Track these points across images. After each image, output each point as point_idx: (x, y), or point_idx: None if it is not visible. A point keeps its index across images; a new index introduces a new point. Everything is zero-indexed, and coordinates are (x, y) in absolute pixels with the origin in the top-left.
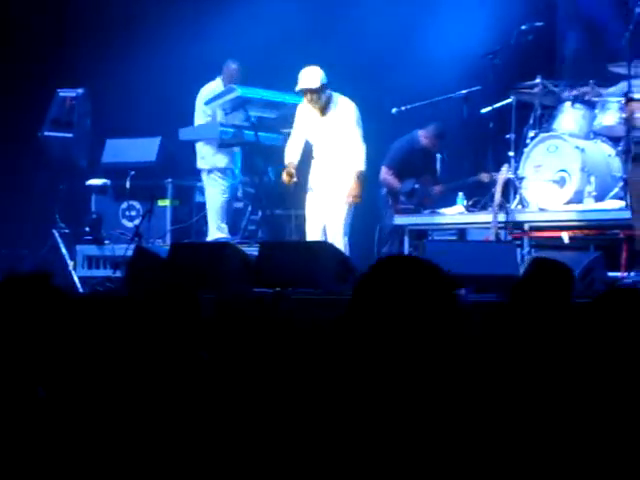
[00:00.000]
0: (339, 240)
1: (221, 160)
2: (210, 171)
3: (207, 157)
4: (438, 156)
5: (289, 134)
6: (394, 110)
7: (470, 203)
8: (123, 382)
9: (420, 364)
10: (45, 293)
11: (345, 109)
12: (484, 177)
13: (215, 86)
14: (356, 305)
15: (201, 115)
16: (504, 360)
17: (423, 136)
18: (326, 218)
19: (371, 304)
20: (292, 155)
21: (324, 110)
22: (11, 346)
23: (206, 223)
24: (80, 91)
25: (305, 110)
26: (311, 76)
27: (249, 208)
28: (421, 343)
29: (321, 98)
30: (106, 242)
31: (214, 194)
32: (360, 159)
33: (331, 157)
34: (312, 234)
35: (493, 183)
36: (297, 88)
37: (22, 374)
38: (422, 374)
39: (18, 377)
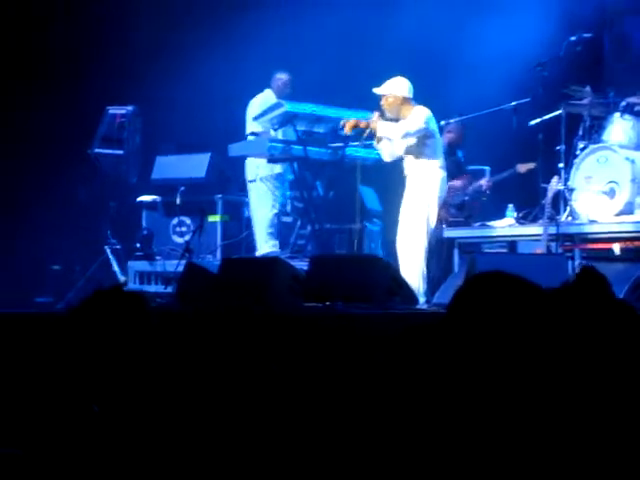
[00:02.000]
0: (410, 245)
1: (273, 167)
2: (262, 179)
3: (260, 166)
4: (460, 154)
5: (337, 148)
6: (443, 122)
7: (520, 215)
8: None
9: (521, 377)
10: (141, 313)
11: (415, 111)
12: (521, 168)
13: (265, 98)
14: (453, 323)
15: (252, 126)
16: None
17: (446, 132)
18: (400, 223)
19: (470, 322)
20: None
21: (399, 119)
22: (88, 362)
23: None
24: (130, 108)
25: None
26: (391, 83)
27: (298, 222)
28: (520, 360)
29: (392, 107)
30: (157, 258)
31: (260, 205)
32: (402, 129)
33: (406, 166)
34: (398, 246)
35: (543, 194)
36: (375, 90)
37: (78, 390)
38: (523, 387)
39: (74, 393)
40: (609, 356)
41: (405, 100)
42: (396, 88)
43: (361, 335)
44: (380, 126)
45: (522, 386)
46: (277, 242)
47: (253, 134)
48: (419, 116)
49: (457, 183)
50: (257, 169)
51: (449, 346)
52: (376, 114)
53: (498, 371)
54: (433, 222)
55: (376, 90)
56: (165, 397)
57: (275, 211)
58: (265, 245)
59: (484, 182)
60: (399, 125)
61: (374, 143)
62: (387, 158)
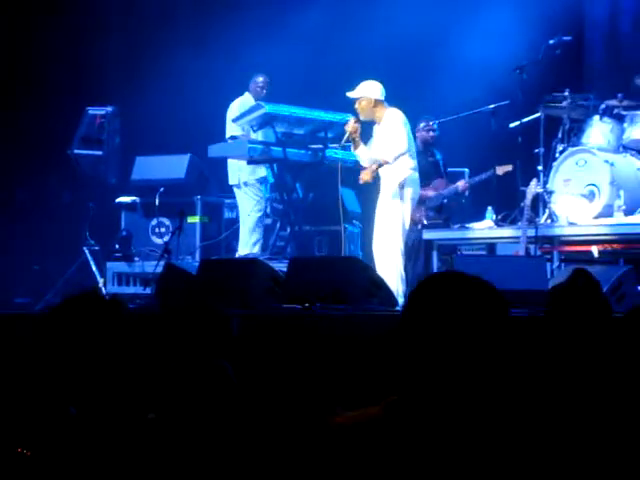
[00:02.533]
0: (386, 249)
1: (258, 171)
2: (245, 184)
3: (242, 169)
4: (438, 156)
5: (316, 150)
6: (422, 125)
7: (499, 217)
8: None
9: (474, 380)
10: (118, 318)
11: (392, 115)
12: (499, 170)
13: (244, 100)
14: (408, 322)
15: (232, 129)
16: (546, 371)
17: (418, 132)
18: (376, 227)
19: (423, 322)
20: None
21: (376, 123)
22: (62, 366)
23: (235, 239)
24: (109, 109)
25: (349, 126)
26: (364, 86)
27: (278, 224)
28: (474, 360)
29: (366, 110)
30: (136, 259)
31: (248, 208)
32: (393, 152)
33: (384, 169)
34: (374, 247)
35: (522, 196)
36: (349, 94)
37: (56, 393)
38: (476, 389)
39: (52, 396)
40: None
41: (377, 102)
42: (368, 91)
43: (340, 336)
44: (370, 154)
45: (476, 387)
46: (260, 245)
47: (232, 138)
48: (400, 130)
49: (435, 185)
50: (239, 172)
51: (404, 347)
52: (352, 119)
53: (448, 371)
54: (407, 223)
55: (349, 94)
56: (145, 399)
57: (260, 213)
58: (247, 246)
59: (461, 184)
60: (389, 149)
61: (352, 148)
62: (365, 163)
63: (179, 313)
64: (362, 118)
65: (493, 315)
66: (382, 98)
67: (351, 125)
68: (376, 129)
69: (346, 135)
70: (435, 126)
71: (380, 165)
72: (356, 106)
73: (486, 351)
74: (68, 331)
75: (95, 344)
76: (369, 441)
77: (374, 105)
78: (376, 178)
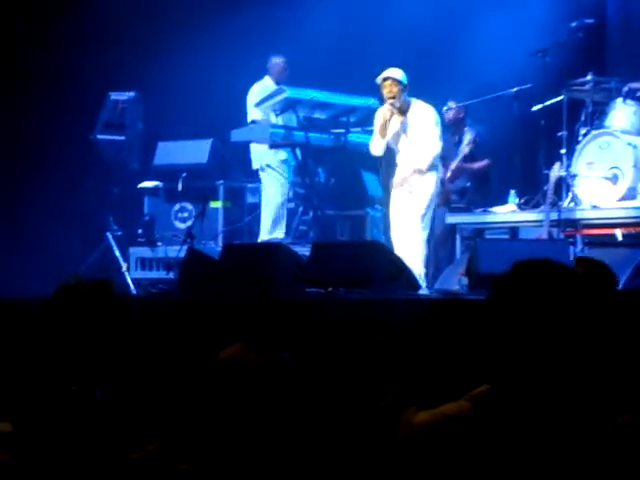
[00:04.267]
0: (415, 233)
1: (280, 153)
2: (269, 166)
3: (265, 153)
4: (469, 134)
5: (338, 134)
6: (445, 108)
7: (522, 201)
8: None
9: (564, 369)
10: (105, 301)
11: (425, 111)
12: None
13: (264, 84)
14: (496, 312)
15: (254, 114)
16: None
17: (447, 110)
18: (404, 216)
19: (513, 311)
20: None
21: (404, 111)
22: (70, 351)
23: (258, 224)
24: (132, 94)
25: (384, 112)
26: (395, 70)
27: (300, 209)
28: (563, 348)
29: (400, 95)
30: (159, 244)
31: (272, 192)
32: (428, 158)
33: (409, 159)
34: (395, 234)
35: (545, 180)
36: (379, 79)
37: (80, 378)
38: (565, 379)
39: (76, 381)
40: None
41: (405, 88)
42: (402, 77)
43: (362, 321)
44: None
45: (561, 370)
46: (283, 229)
47: (254, 122)
48: (436, 133)
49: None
50: (262, 157)
51: (493, 337)
52: (389, 107)
53: (544, 359)
54: (433, 207)
55: (388, 74)
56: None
57: (283, 197)
58: (270, 231)
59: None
60: (425, 156)
61: (379, 134)
62: (377, 152)
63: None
64: (395, 103)
65: (581, 304)
66: (406, 85)
67: (390, 112)
68: (401, 118)
69: (383, 121)
70: (463, 108)
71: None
72: (393, 91)
73: (575, 339)
74: (62, 320)
75: (89, 328)
76: (463, 437)
77: (404, 91)
78: (392, 163)
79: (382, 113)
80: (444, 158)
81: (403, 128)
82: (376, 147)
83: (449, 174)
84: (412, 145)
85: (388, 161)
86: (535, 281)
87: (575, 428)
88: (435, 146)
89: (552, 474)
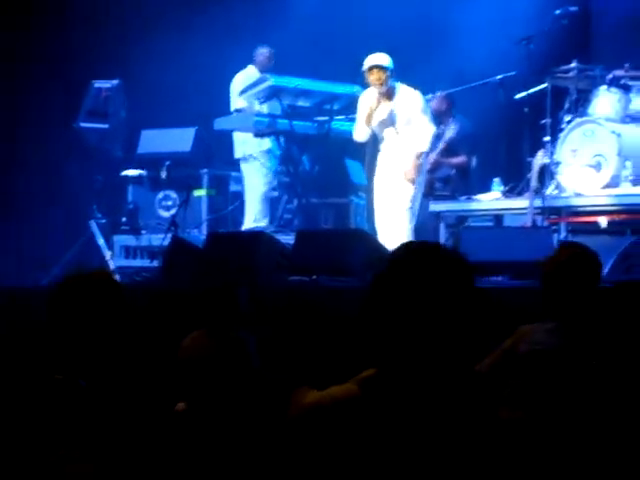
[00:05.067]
0: (402, 223)
1: (263, 143)
2: (251, 156)
3: (248, 142)
4: (452, 127)
5: (323, 122)
6: (429, 96)
7: (507, 189)
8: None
9: (449, 348)
10: (108, 291)
11: (411, 97)
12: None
13: (248, 73)
14: (377, 296)
15: (237, 102)
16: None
17: (431, 101)
18: (391, 204)
19: (392, 294)
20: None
21: (390, 97)
22: (69, 340)
23: (241, 212)
24: (115, 82)
25: (369, 98)
26: (381, 56)
27: (284, 197)
28: (447, 328)
29: (387, 81)
30: (143, 232)
31: (255, 181)
32: (426, 140)
33: (397, 144)
34: (382, 223)
35: (529, 168)
36: (365, 66)
37: (66, 367)
38: (452, 357)
39: (62, 368)
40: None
41: (392, 74)
42: (388, 62)
43: (345, 308)
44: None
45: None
46: (267, 217)
47: (238, 111)
48: (427, 115)
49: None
50: (244, 146)
51: (375, 320)
52: (376, 94)
53: (427, 340)
54: (420, 195)
55: (374, 62)
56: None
57: (267, 186)
58: (253, 219)
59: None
60: (422, 138)
61: (365, 121)
62: (361, 138)
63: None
64: (382, 90)
65: (461, 285)
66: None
67: (376, 100)
68: (387, 103)
69: (369, 110)
70: (447, 100)
71: (419, 156)
72: (380, 77)
73: (457, 320)
74: (67, 308)
75: (95, 318)
76: (351, 420)
77: (390, 77)
78: (375, 150)
79: (367, 100)
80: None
81: (389, 114)
82: (360, 134)
83: (428, 165)
84: (399, 131)
85: (373, 148)
86: (417, 265)
87: (457, 415)
88: (429, 128)
89: (437, 458)
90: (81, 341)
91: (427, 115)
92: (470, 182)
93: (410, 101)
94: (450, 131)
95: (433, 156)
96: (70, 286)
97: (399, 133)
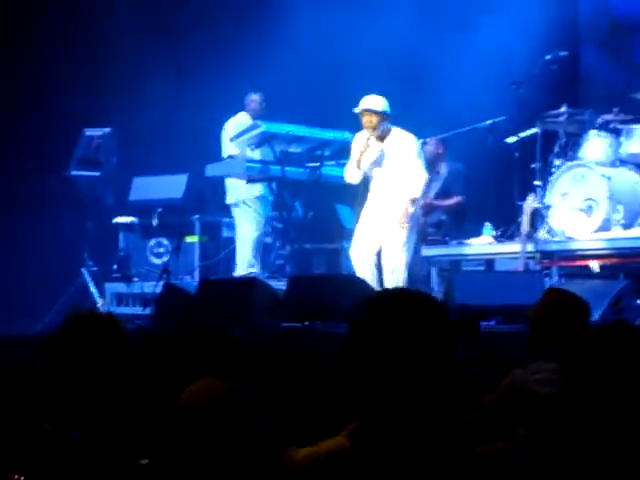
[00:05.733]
0: (397, 267)
1: (255, 189)
2: (243, 202)
3: (240, 188)
4: (443, 172)
5: (314, 168)
6: (421, 141)
7: (498, 233)
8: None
9: (433, 391)
10: (114, 333)
11: (405, 140)
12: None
13: (240, 119)
14: (355, 346)
15: (230, 149)
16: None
17: (425, 144)
18: (383, 247)
19: (371, 343)
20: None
21: (382, 140)
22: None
23: (234, 258)
24: (107, 130)
25: (360, 141)
26: (374, 99)
27: (277, 243)
28: (420, 376)
29: (380, 125)
30: (135, 279)
31: (247, 227)
32: (419, 186)
33: (389, 187)
34: (360, 263)
35: (520, 211)
36: (357, 109)
37: (60, 417)
38: (437, 401)
39: (56, 420)
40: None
41: (387, 117)
42: (384, 106)
43: (340, 354)
44: (405, 218)
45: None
46: (259, 263)
47: (230, 157)
48: (421, 161)
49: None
50: (237, 191)
51: (357, 371)
52: (366, 137)
53: (410, 386)
54: (412, 240)
55: (365, 106)
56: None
57: (259, 232)
58: (246, 266)
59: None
60: (415, 184)
61: (356, 165)
62: (352, 180)
63: (191, 336)
64: (374, 134)
65: (436, 327)
66: (389, 113)
67: (366, 142)
68: (381, 146)
69: (359, 153)
70: (442, 142)
71: (412, 202)
72: (372, 121)
73: (437, 360)
74: (71, 351)
75: (98, 363)
76: (343, 473)
77: (384, 121)
78: (363, 191)
79: (358, 142)
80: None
81: (381, 156)
82: (351, 176)
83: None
84: (390, 174)
85: (364, 191)
86: (390, 313)
87: (440, 456)
88: (423, 174)
89: None
90: (80, 385)
91: (421, 161)
92: (465, 224)
93: (404, 145)
94: (442, 172)
95: (424, 200)
96: (76, 326)
97: (390, 176)
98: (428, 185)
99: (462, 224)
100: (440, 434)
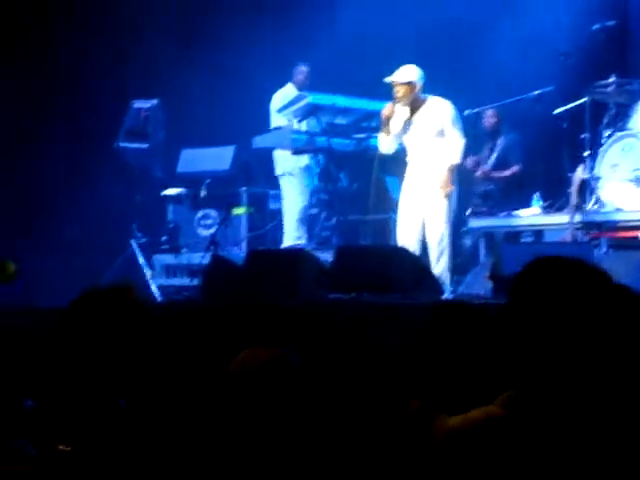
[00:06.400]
0: (442, 238)
1: (302, 160)
2: (290, 173)
3: (287, 159)
4: (500, 143)
5: (361, 140)
6: (467, 112)
7: (546, 204)
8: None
9: (592, 365)
10: (126, 305)
11: (440, 107)
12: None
13: (287, 91)
14: (516, 313)
15: (277, 120)
16: None
17: (488, 117)
18: (427, 218)
19: (534, 312)
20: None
21: (415, 110)
22: (93, 359)
23: (281, 230)
24: (154, 102)
25: (398, 110)
26: (403, 70)
27: (323, 214)
28: (590, 344)
29: (408, 95)
30: (183, 251)
31: (293, 198)
32: (457, 152)
33: (427, 157)
34: (405, 236)
35: (569, 183)
36: (386, 79)
37: (104, 386)
38: (596, 375)
39: (101, 389)
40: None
41: (415, 87)
42: (415, 76)
43: (387, 325)
44: (445, 184)
45: (585, 375)
46: (305, 234)
47: (277, 128)
48: (458, 126)
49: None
50: (284, 162)
51: (511, 332)
52: (390, 104)
53: (563, 360)
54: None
55: (395, 78)
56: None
57: (305, 203)
58: (292, 237)
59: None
60: (454, 150)
61: (384, 132)
62: (385, 150)
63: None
64: (403, 104)
65: (598, 297)
66: (422, 83)
67: (390, 109)
68: (414, 116)
69: (386, 120)
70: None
71: (451, 169)
72: (399, 90)
73: (599, 334)
74: (85, 326)
75: (112, 337)
76: (495, 442)
77: (418, 90)
78: (393, 162)
79: (385, 111)
80: (478, 163)
81: (416, 126)
82: (383, 145)
83: (479, 179)
84: (428, 144)
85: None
86: (558, 279)
87: (605, 431)
88: (461, 140)
89: (584, 477)
90: (96, 358)
91: (458, 126)
92: (523, 193)
93: (440, 112)
94: (500, 142)
95: (481, 171)
96: (85, 301)
97: (427, 145)
98: (488, 157)
99: (519, 193)
100: (602, 410)
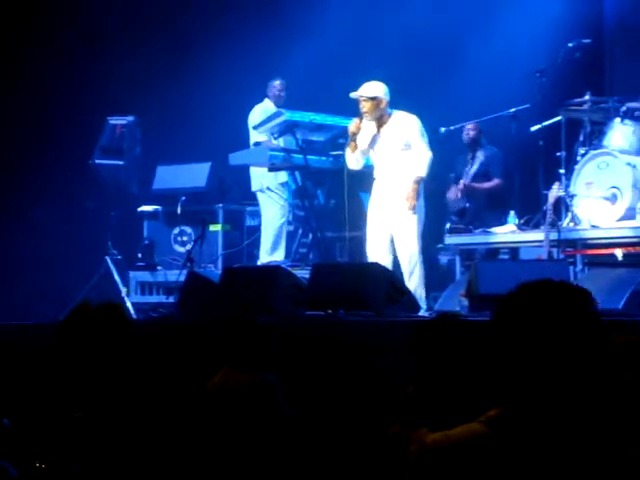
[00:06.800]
0: (413, 252)
1: (280, 176)
2: (268, 188)
3: (265, 175)
4: (480, 156)
5: (337, 157)
6: (442, 129)
7: (522, 221)
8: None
9: (577, 385)
10: (115, 322)
11: (406, 121)
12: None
13: (265, 106)
14: (502, 333)
15: (256, 136)
16: None
17: (466, 130)
18: (395, 233)
19: (519, 332)
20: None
21: (381, 125)
22: (83, 373)
23: (257, 247)
24: (130, 118)
25: (364, 126)
26: (369, 86)
27: (300, 231)
28: (574, 364)
29: (374, 110)
30: (159, 268)
31: (271, 213)
32: (424, 165)
33: (394, 171)
34: (375, 253)
35: (545, 200)
36: (352, 94)
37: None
38: (581, 394)
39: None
40: None
41: (381, 103)
42: (381, 91)
43: (363, 343)
44: (410, 197)
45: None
46: (283, 251)
47: (257, 144)
48: (424, 140)
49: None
50: (262, 179)
51: (496, 351)
52: (357, 119)
53: (555, 377)
54: (422, 221)
55: (360, 93)
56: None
57: (283, 220)
58: (268, 254)
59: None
60: (420, 163)
61: (350, 148)
62: (352, 166)
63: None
64: (370, 119)
65: (586, 319)
66: (388, 99)
67: (356, 125)
68: (379, 131)
69: (350, 136)
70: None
71: (417, 182)
72: (365, 105)
73: (583, 355)
74: (74, 340)
75: (101, 351)
76: (479, 461)
77: (384, 106)
78: (370, 179)
79: (350, 127)
80: (456, 177)
81: (383, 140)
82: (350, 161)
83: (459, 193)
84: (394, 158)
85: None
86: (542, 300)
87: (588, 452)
88: (427, 153)
89: None
90: (84, 374)
91: (425, 140)
92: (504, 207)
93: (406, 125)
94: (479, 156)
95: (462, 183)
96: (78, 317)
97: (395, 159)
98: (466, 169)
99: (495, 210)
100: (588, 430)
